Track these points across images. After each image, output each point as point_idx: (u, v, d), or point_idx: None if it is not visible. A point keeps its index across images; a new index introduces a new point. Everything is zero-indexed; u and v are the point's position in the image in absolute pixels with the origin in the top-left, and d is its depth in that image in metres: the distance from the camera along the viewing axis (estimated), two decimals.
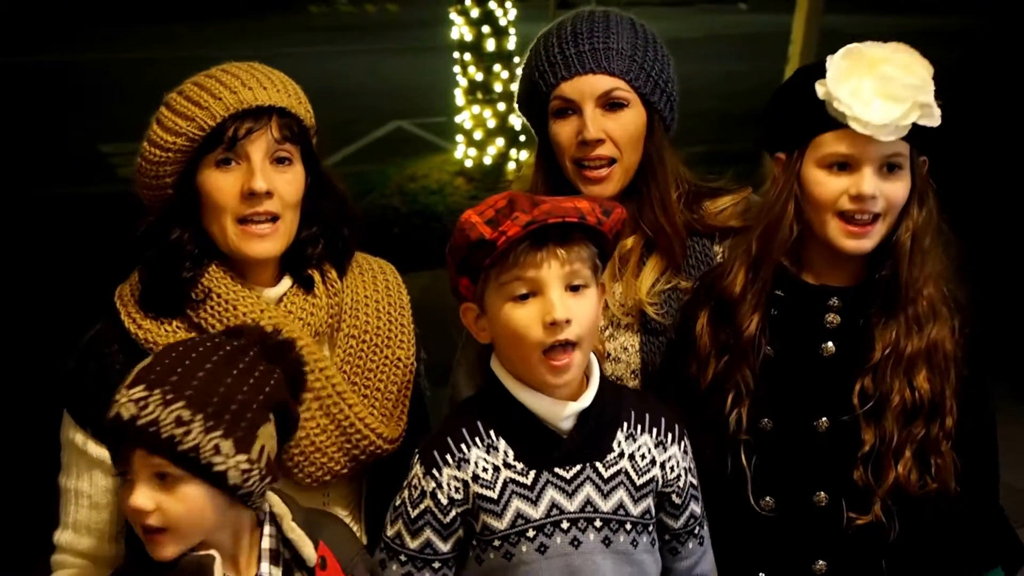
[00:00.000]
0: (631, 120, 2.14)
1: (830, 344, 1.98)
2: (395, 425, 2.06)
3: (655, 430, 1.89)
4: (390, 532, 1.86)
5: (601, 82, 2.13)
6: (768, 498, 2.00)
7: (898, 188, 1.92)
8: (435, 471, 1.81)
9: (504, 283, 1.75)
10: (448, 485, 1.81)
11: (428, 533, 1.82)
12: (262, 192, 1.87)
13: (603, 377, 1.86)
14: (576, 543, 1.80)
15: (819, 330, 1.99)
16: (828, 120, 1.90)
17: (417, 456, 1.85)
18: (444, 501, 1.81)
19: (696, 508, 1.93)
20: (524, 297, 1.75)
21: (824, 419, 1.97)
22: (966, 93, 9.89)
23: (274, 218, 1.90)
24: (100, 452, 1.91)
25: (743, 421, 1.99)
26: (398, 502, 1.85)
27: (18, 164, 8.83)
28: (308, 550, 1.77)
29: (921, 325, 1.95)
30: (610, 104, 2.13)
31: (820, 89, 1.90)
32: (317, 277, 2.01)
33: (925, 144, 1.94)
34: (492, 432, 1.82)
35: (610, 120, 2.13)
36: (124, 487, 1.68)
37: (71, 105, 10.95)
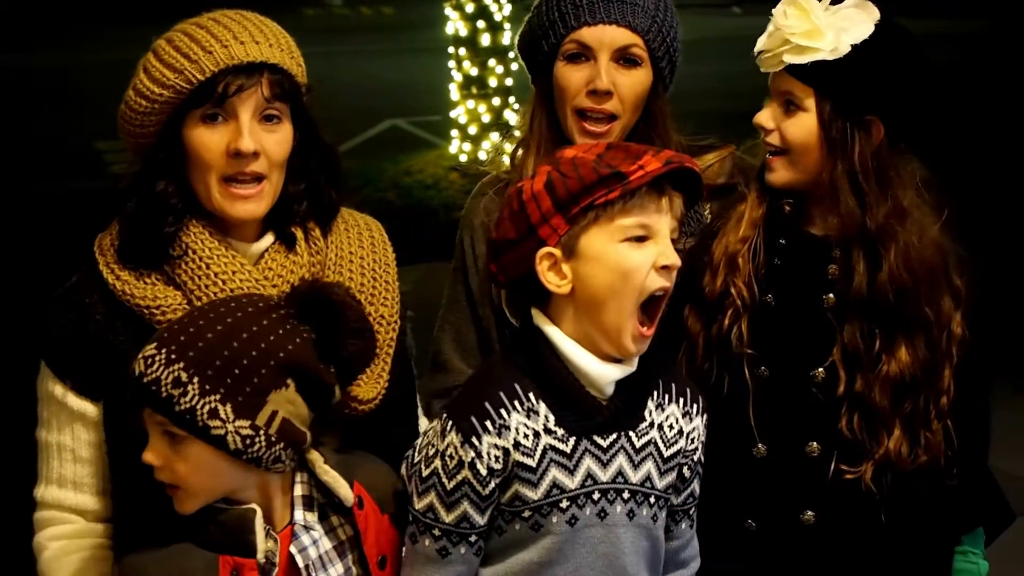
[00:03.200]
0: (640, 80, 2.15)
1: (831, 295, 2.01)
2: (373, 383, 1.98)
3: (682, 400, 1.84)
4: (420, 505, 1.75)
5: (621, 35, 2.13)
6: (761, 445, 2.02)
7: (792, 126, 1.99)
8: (475, 439, 1.70)
9: (622, 226, 1.69)
10: (488, 454, 1.70)
11: (465, 506, 1.72)
12: (249, 152, 1.81)
13: None
14: (603, 514, 1.76)
15: (821, 280, 2.02)
16: None
17: (449, 422, 1.73)
18: (484, 472, 1.70)
19: (696, 487, 1.90)
20: (639, 240, 1.71)
21: (821, 370, 2.00)
22: (973, 94, 9.96)
23: (260, 178, 1.86)
24: (81, 404, 1.88)
25: (744, 336, 2.02)
26: (426, 472, 1.74)
27: (16, 160, 8.84)
28: (344, 490, 1.74)
29: (888, 300, 1.96)
30: (625, 59, 2.14)
31: None
32: (300, 235, 1.95)
33: (842, 97, 1.96)
34: (532, 395, 1.73)
35: (622, 75, 2.13)
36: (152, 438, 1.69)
37: (69, 103, 10.95)
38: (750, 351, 2.03)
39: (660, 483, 1.81)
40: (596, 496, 1.75)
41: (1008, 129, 8.38)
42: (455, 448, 1.71)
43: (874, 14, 1.98)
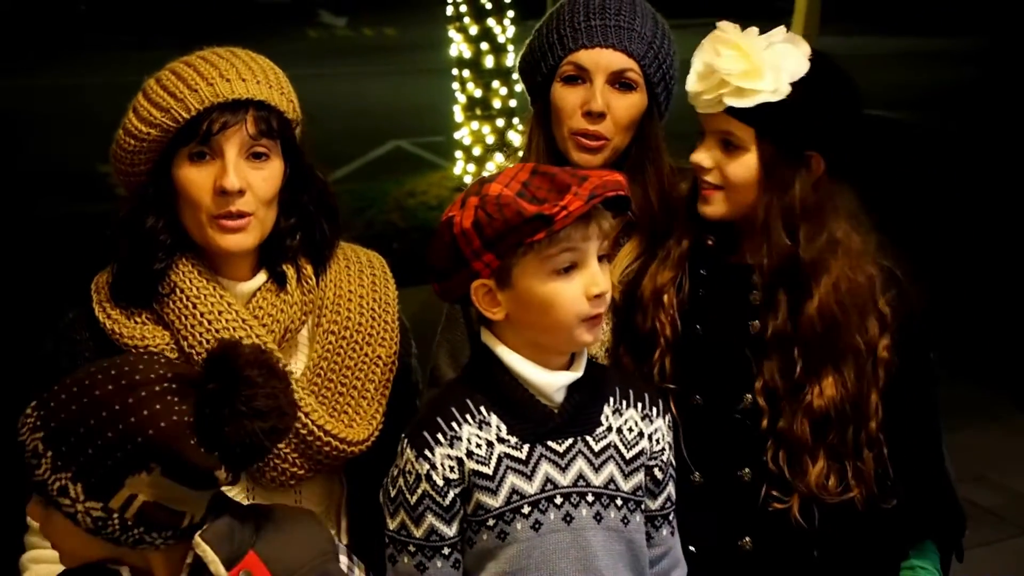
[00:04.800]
0: (634, 103, 2.17)
1: (756, 322, 2.01)
2: (366, 425, 2.00)
3: (640, 404, 1.90)
4: (393, 525, 1.82)
5: (617, 59, 2.16)
6: (696, 474, 2.02)
7: (733, 166, 1.98)
8: (427, 452, 1.77)
9: (549, 257, 1.73)
10: (442, 465, 1.77)
11: (431, 519, 1.79)
12: (234, 190, 1.82)
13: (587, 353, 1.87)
14: (568, 519, 1.80)
15: (745, 307, 2.02)
16: None
17: (406, 441, 1.80)
18: (440, 482, 1.77)
19: (673, 490, 1.93)
20: (567, 270, 1.74)
21: (748, 396, 2.00)
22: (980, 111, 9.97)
23: (246, 214, 1.85)
24: None
25: (667, 372, 2.03)
26: (393, 492, 1.81)
27: (18, 182, 8.86)
28: (215, 567, 1.62)
29: (816, 333, 1.95)
30: (620, 83, 2.16)
31: None
32: (291, 273, 1.94)
33: (782, 135, 1.95)
34: (483, 408, 1.80)
35: (616, 98, 2.16)
36: None
37: (72, 126, 10.99)
38: (674, 385, 2.03)
39: (625, 485, 1.84)
40: (559, 500, 1.79)
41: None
42: (412, 463, 1.79)
43: (805, 48, 1.97)
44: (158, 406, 1.56)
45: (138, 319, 1.88)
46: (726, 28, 1.99)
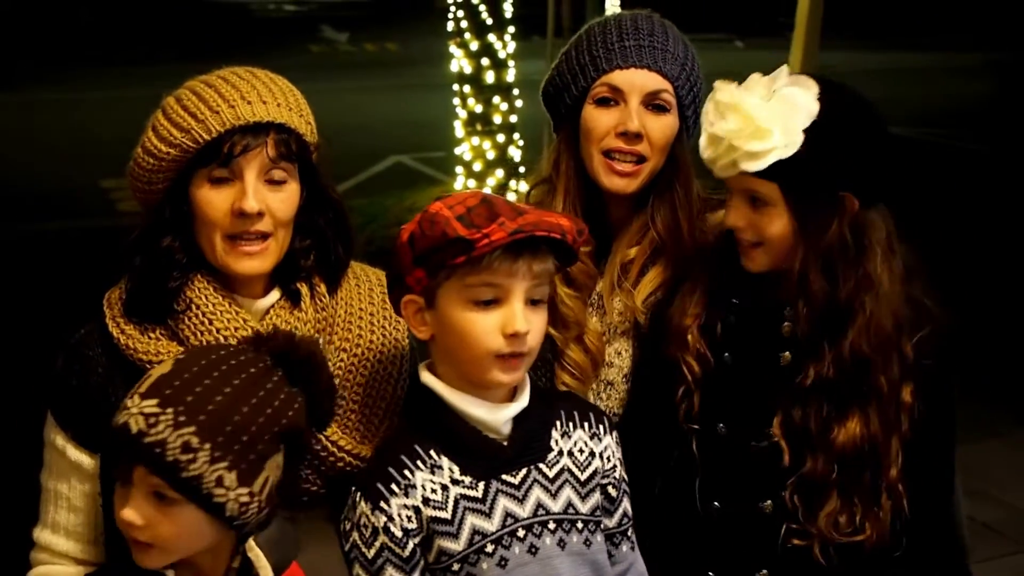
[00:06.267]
0: (669, 125, 2.16)
1: (787, 353, 1.98)
2: (373, 440, 2.00)
3: (586, 424, 1.88)
4: None
5: (652, 80, 2.14)
6: (716, 503, 2.01)
7: (765, 222, 1.93)
8: (383, 503, 1.74)
9: (470, 285, 1.72)
10: (400, 515, 1.74)
11: (390, 571, 1.75)
12: (253, 213, 1.83)
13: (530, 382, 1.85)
14: (533, 549, 1.77)
15: (776, 338, 1.99)
16: None
17: (358, 493, 1.77)
18: (399, 533, 1.74)
19: (628, 506, 1.92)
20: (487, 303, 1.73)
21: (774, 427, 1.97)
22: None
23: (265, 235, 1.86)
24: (78, 456, 1.89)
25: (693, 411, 2.00)
26: (347, 546, 1.78)
27: (21, 198, 8.87)
28: (265, 572, 1.69)
29: (849, 373, 1.92)
30: (654, 105, 2.15)
31: None
32: (305, 291, 1.95)
33: (805, 184, 1.89)
34: (432, 451, 1.77)
35: (651, 119, 2.14)
36: (120, 493, 1.64)
37: (74, 141, 11.01)
38: (699, 425, 2.01)
39: (584, 507, 1.83)
40: (521, 533, 1.77)
41: None
42: (367, 516, 1.75)
43: (812, 88, 1.90)
44: (283, 395, 1.66)
45: (152, 335, 1.89)
46: (723, 88, 1.94)
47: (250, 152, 1.82)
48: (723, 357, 2.02)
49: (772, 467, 1.97)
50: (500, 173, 8.01)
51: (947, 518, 2.04)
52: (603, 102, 2.16)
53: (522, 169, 7.96)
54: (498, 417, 1.78)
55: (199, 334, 1.87)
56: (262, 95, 1.86)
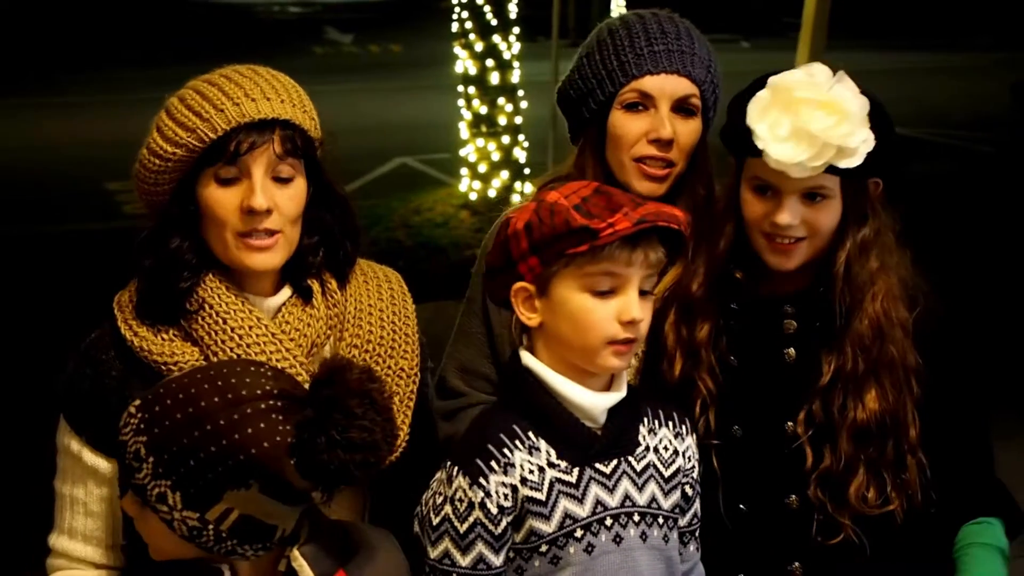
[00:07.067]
0: (696, 129, 2.16)
1: (792, 350, 1.99)
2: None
3: (671, 423, 1.91)
4: (435, 553, 1.78)
5: (682, 85, 2.13)
6: (741, 506, 2.01)
7: (823, 216, 1.93)
8: (482, 479, 1.75)
9: (589, 274, 1.74)
10: (497, 492, 1.75)
11: (480, 547, 1.76)
12: (262, 210, 1.82)
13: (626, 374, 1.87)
14: (618, 539, 1.80)
15: (779, 337, 2.00)
16: (753, 146, 1.90)
17: (455, 468, 1.78)
18: (494, 510, 1.75)
19: (698, 507, 1.95)
20: (604, 292, 1.75)
21: (790, 424, 1.98)
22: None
23: (274, 232, 1.86)
24: (95, 460, 1.89)
25: (711, 426, 2.00)
26: (437, 520, 1.78)
27: (27, 200, 8.88)
28: None
29: (866, 346, 1.94)
30: (682, 109, 2.14)
31: (747, 117, 1.91)
32: (316, 287, 1.96)
33: (862, 171, 1.91)
34: (531, 433, 1.79)
35: (681, 124, 2.13)
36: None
37: (80, 143, 11.02)
38: (716, 440, 2.01)
39: (666, 503, 1.86)
40: (608, 522, 1.79)
41: None
42: (463, 491, 1.76)
43: (848, 81, 1.91)
44: (262, 424, 1.58)
45: (165, 336, 1.88)
46: (802, 85, 1.88)
47: (257, 149, 1.82)
48: (730, 360, 2.03)
49: (794, 462, 1.98)
50: (505, 175, 8.02)
51: (985, 472, 2.04)
52: (632, 107, 2.14)
53: (527, 171, 7.95)
54: (597, 403, 1.80)
55: (213, 333, 1.87)
56: (266, 92, 1.85)
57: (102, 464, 1.89)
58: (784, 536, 2.00)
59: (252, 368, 1.66)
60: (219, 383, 1.61)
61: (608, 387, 1.83)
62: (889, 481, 1.95)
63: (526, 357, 1.83)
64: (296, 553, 1.68)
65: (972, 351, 2.06)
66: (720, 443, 2.01)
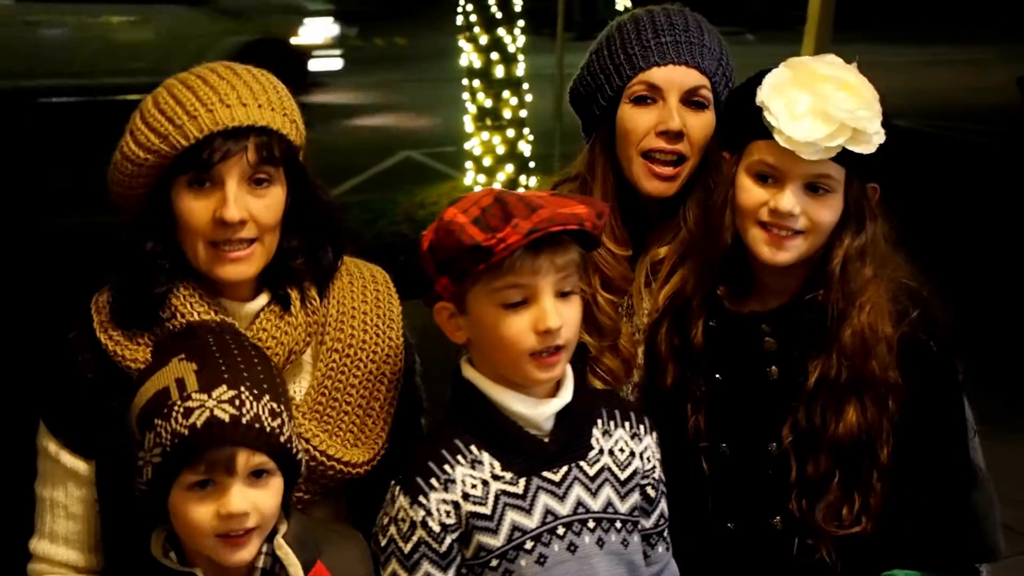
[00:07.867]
0: (708, 122, 2.12)
1: (774, 368, 1.96)
2: (371, 444, 1.97)
3: (627, 423, 1.86)
4: (385, 574, 1.78)
5: (691, 77, 2.10)
6: (729, 524, 2.00)
7: (823, 210, 1.89)
8: (422, 498, 1.74)
9: (497, 289, 1.70)
10: (438, 510, 1.73)
11: (426, 566, 1.74)
12: (235, 222, 1.78)
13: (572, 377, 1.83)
14: (572, 548, 1.76)
15: (760, 355, 1.97)
16: (761, 128, 1.86)
17: (397, 487, 1.76)
18: (437, 528, 1.73)
19: (664, 507, 1.91)
20: (516, 304, 1.70)
21: (774, 444, 1.96)
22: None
23: (251, 240, 1.82)
24: (74, 462, 1.87)
25: (703, 434, 1.98)
26: (384, 541, 1.77)
27: (35, 194, 8.87)
28: (295, 570, 1.68)
29: (850, 356, 1.90)
30: (692, 102, 2.10)
31: (759, 95, 1.87)
32: (295, 295, 1.90)
33: (866, 171, 1.89)
34: (473, 446, 1.76)
35: (691, 116, 2.10)
36: (200, 496, 1.60)
37: (88, 138, 11.02)
38: (706, 441, 2.00)
39: (623, 507, 1.82)
40: (560, 531, 1.75)
41: None
42: (405, 510, 1.74)
43: (860, 76, 1.89)
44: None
45: (140, 340, 1.85)
46: (825, 63, 1.86)
47: (230, 158, 1.77)
48: (715, 378, 2.01)
49: (778, 481, 1.96)
50: (510, 168, 7.99)
51: (953, 511, 1.99)
52: (640, 100, 2.11)
53: (532, 164, 7.94)
54: (540, 413, 1.76)
55: None
56: (242, 96, 1.79)
57: (81, 466, 1.87)
58: (769, 557, 1.99)
59: (213, 327, 1.76)
60: (228, 336, 1.73)
61: (555, 393, 1.79)
62: (858, 502, 1.92)
63: (466, 369, 1.80)
64: (281, 541, 1.68)
65: (954, 390, 2.01)
66: (709, 456, 2.00)
